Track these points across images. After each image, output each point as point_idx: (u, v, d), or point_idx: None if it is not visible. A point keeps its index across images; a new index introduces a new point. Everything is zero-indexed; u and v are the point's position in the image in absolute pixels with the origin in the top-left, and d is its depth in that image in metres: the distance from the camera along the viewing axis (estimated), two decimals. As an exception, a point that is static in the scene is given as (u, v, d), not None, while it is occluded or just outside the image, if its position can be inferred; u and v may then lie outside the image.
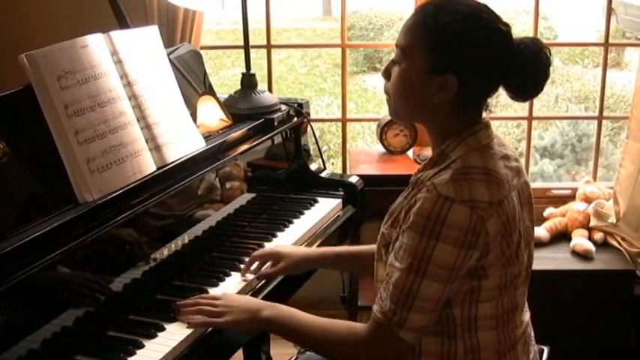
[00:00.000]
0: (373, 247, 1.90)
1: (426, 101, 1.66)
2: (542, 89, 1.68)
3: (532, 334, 1.89)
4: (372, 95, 7.41)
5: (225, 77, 8.10)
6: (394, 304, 1.61)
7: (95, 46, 2.01)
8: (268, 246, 2.33)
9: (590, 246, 3.32)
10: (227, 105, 2.59)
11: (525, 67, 1.63)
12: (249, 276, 2.14)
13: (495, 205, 1.58)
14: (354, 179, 2.82)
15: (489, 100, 1.72)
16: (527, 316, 1.85)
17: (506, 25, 1.66)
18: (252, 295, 2.09)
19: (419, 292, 1.59)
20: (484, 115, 1.73)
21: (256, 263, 2.16)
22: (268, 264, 2.16)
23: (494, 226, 1.58)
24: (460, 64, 1.62)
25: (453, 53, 1.61)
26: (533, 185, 3.86)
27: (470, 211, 1.55)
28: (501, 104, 7.05)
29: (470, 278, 1.63)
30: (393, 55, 1.74)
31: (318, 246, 2.45)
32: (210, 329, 1.88)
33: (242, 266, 2.16)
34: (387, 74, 1.74)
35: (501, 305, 1.68)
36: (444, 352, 1.70)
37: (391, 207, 1.75)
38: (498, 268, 1.63)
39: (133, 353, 1.76)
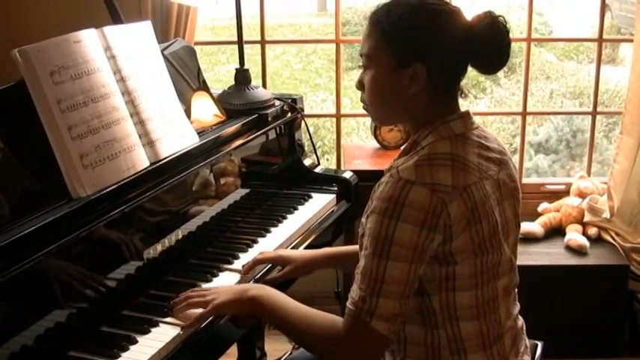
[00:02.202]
0: None
1: (403, 96, 1.70)
2: (507, 57, 1.71)
3: (524, 327, 1.89)
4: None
5: (221, 73, 8.09)
6: (363, 291, 1.62)
7: (88, 41, 2.01)
8: (262, 241, 2.34)
9: (585, 241, 3.33)
10: (221, 101, 2.59)
11: (483, 38, 1.68)
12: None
13: (460, 189, 1.60)
14: (348, 174, 2.82)
15: (463, 86, 1.76)
16: (516, 309, 1.85)
17: (456, 7, 1.72)
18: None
19: (385, 275, 1.59)
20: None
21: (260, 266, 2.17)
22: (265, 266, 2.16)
23: (458, 210, 1.59)
24: (422, 50, 1.67)
25: (412, 42, 1.67)
26: (527, 180, 3.89)
27: (430, 193, 1.57)
28: (496, 100, 7.06)
29: (439, 264, 1.64)
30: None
31: (313, 241, 2.46)
32: (202, 324, 1.87)
33: (242, 266, 2.15)
34: (361, 85, 1.79)
35: (481, 295, 1.69)
36: (428, 341, 1.71)
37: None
38: (469, 255, 1.64)
39: (126, 349, 1.76)
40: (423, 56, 1.66)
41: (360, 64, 1.78)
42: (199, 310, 1.86)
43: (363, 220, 1.74)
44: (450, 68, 1.71)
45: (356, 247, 2.14)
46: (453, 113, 1.73)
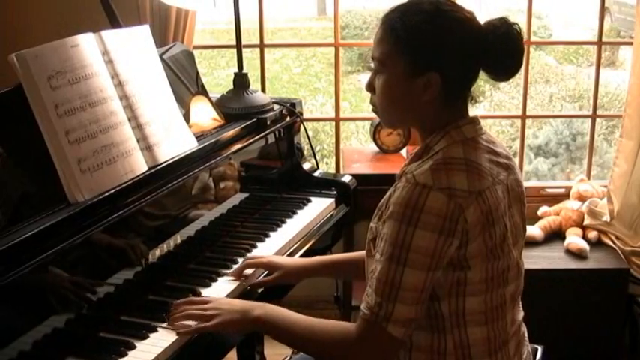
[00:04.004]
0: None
1: (415, 103, 1.70)
2: (520, 65, 1.71)
3: (525, 333, 1.89)
4: (366, 94, 7.32)
5: (220, 77, 8.09)
6: (379, 297, 1.62)
7: (86, 45, 2.01)
8: (261, 246, 2.33)
9: (584, 244, 3.32)
10: (219, 105, 2.58)
11: (498, 47, 1.67)
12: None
13: (475, 194, 1.60)
14: (347, 178, 2.82)
15: (473, 92, 1.75)
16: (520, 315, 1.85)
17: (470, 12, 1.70)
18: (243, 296, 2.08)
19: (402, 282, 1.59)
20: (470, 107, 1.76)
21: (249, 270, 2.16)
22: (263, 272, 2.16)
23: (474, 214, 1.59)
24: (437, 59, 1.66)
25: (427, 51, 1.66)
26: (527, 184, 3.88)
27: (447, 198, 1.57)
28: (495, 103, 7.05)
29: (453, 269, 1.64)
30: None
31: (312, 245, 2.45)
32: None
33: (233, 268, 2.15)
34: (371, 87, 1.78)
35: (490, 300, 1.69)
36: (434, 347, 1.71)
37: (380, 202, 1.76)
38: (482, 259, 1.64)
39: (124, 354, 1.75)
40: (438, 65, 1.65)
41: (372, 65, 1.76)
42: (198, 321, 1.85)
43: (372, 225, 1.74)
44: (463, 76, 1.71)
45: (350, 255, 2.15)
46: (463, 118, 1.73)
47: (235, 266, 2.18)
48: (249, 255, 2.21)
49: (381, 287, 1.61)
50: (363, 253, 2.08)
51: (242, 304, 1.89)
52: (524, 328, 1.88)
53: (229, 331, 1.90)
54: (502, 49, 1.67)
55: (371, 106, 1.83)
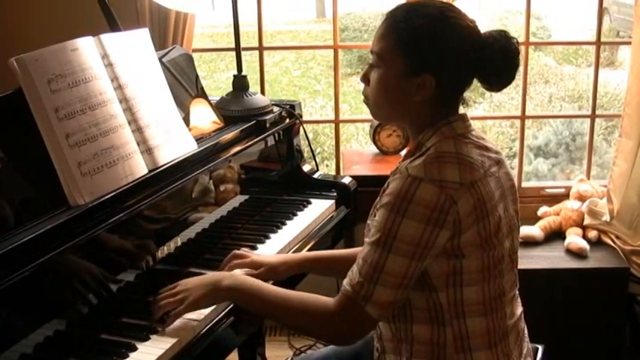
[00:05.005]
0: (353, 250, 2.07)
1: (407, 101, 1.74)
2: (513, 78, 1.75)
3: (525, 330, 1.91)
4: (366, 97, 7.31)
5: (220, 80, 8.11)
6: (362, 277, 1.67)
7: (86, 49, 2.01)
8: (261, 248, 2.33)
9: (585, 244, 3.32)
10: (219, 107, 2.59)
11: (495, 59, 1.71)
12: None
13: (467, 185, 1.64)
14: (346, 180, 2.82)
15: (466, 96, 1.79)
16: (519, 310, 1.87)
17: (473, 21, 1.73)
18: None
19: (385, 266, 1.64)
20: (462, 109, 1.80)
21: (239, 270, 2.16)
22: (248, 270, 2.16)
23: (467, 205, 1.63)
24: (434, 63, 1.69)
25: (426, 55, 1.69)
26: (527, 184, 3.89)
27: (439, 190, 1.61)
28: (495, 104, 7.06)
29: (447, 257, 1.67)
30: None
31: (312, 247, 2.45)
32: (201, 331, 1.88)
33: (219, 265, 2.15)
34: (365, 79, 1.81)
35: (487, 291, 1.72)
36: (434, 339, 1.74)
37: (376, 200, 1.79)
38: (476, 249, 1.67)
39: (125, 356, 1.75)
40: (434, 68, 1.69)
41: (370, 61, 1.79)
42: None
43: (369, 221, 1.77)
44: (458, 81, 1.75)
45: (336, 252, 2.19)
46: (453, 115, 1.76)
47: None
48: (235, 252, 2.20)
49: (365, 268, 1.66)
50: (345, 251, 2.15)
51: (210, 277, 1.94)
52: (523, 324, 1.90)
53: (204, 307, 1.91)
54: (499, 62, 1.71)
55: (364, 98, 1.86)
